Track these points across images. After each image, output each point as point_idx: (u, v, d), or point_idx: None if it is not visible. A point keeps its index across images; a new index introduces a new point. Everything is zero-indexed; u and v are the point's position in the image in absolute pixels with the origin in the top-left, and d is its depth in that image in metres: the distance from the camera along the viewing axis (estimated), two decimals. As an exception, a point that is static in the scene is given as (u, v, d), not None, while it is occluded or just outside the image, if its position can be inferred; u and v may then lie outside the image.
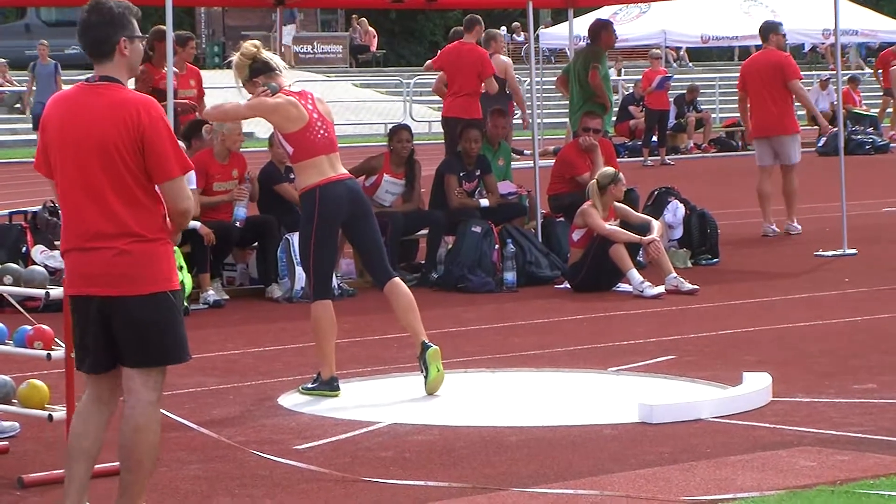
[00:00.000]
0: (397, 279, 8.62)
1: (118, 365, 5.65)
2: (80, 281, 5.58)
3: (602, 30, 15.49)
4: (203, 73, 16.42)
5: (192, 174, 12.14)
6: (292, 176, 12.94)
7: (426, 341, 8.36)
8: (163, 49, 13.49)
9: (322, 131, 8.50)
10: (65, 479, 5.71)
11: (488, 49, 16.70)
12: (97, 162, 5.51)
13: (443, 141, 16.28)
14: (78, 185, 5.55)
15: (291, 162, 8.63)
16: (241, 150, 13.36)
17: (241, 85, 8.61)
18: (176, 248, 11.85)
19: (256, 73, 8.54)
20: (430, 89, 20.30)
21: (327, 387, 8.38)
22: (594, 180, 12.50)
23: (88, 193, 5.53)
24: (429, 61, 17.25)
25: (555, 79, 17.64)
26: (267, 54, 8.62)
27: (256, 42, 8.79)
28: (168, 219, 5.62)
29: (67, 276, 5.65)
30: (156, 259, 5.56)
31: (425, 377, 8.33)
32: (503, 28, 44.34)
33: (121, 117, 5.50)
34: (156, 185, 5.56)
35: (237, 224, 12.39)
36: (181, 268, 11.49)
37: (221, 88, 19.30)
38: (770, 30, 16.08)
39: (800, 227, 15.51)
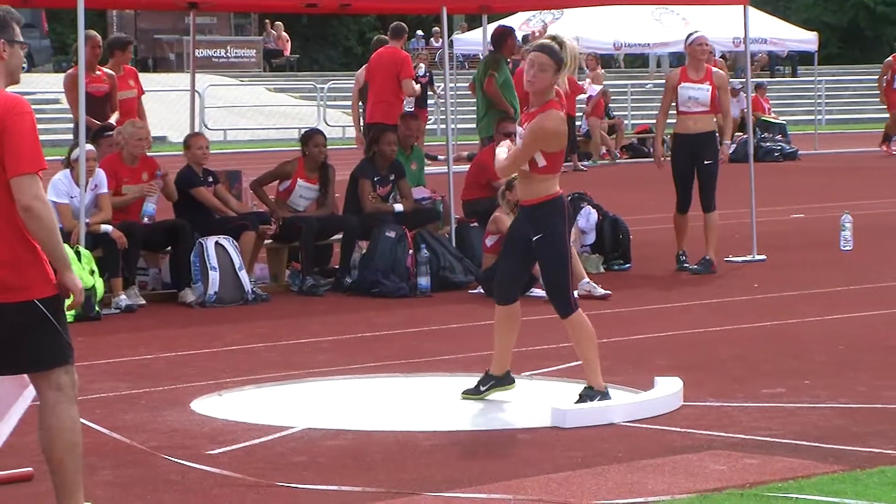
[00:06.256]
0: None
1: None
2: None
3: (508, 37, 15.59)
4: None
5: (104, 178, 12.12)
6: (210, 179, 12.93)
7: None
8: (91, 54, 13.56)
9: None
10: None
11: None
12: None
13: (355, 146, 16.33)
14: None
15: (543, 173, 8.13)
16: (154, 153, 13.33)
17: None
18: (87, 251, 11.86)
19: None
20: (346, 94, 20.32)
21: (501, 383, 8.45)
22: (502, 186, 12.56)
23: None
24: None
25: (467, 84, 17.70)
26: None
27: None
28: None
29: None
30: (25, 266, 5.52)
31: None
32: (419, 32, 44.46)
33: None
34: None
35: (145, 220, 12.34)
36: (92, 272, 11.43)
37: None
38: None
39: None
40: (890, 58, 30.49)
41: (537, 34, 19.13)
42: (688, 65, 13.86)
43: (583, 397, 8.02)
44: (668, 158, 14.24)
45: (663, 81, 15.07)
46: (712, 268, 13.67)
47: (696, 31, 14.25)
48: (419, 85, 22.13)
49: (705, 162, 13.70)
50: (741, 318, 11.16)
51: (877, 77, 31.64)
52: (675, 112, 13.98)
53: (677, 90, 13.70)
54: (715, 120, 14.13)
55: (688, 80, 13.69)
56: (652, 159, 15.95)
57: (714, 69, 14.05)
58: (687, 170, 13.76)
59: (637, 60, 47.12)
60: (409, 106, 18.15)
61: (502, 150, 8.34)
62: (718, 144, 13.96)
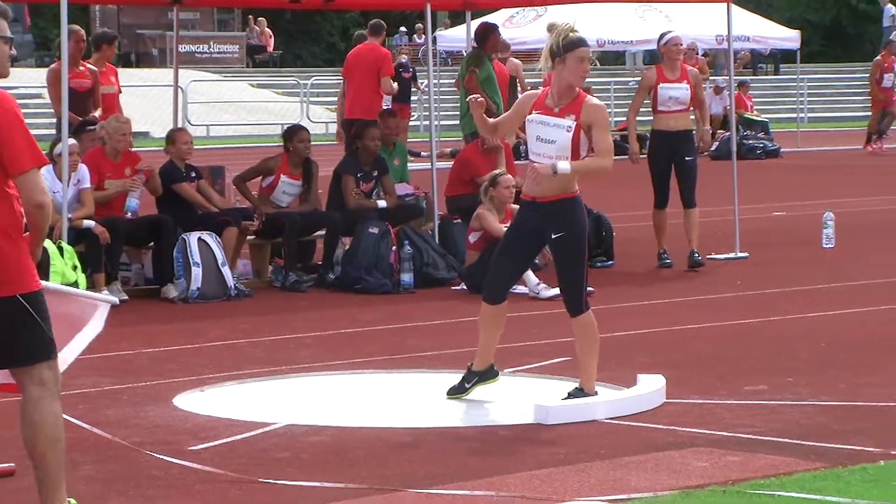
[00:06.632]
0: None
1: None
2: None
3: (491, 33, 15.58)
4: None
5: (87, 174, 12.10)
6: (193, 175, 12.93)
7: None
8: (75, 49, 13.57)
9: None
10: None
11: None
12: None
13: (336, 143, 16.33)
14: None
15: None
16: (136, 149, 13.31)
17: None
18: (69, 247, 11.84)
19: None
20: (328, 91, 20.35)
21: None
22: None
23: None
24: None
25: (452, 81, 17.72)
26: None
27: None
28: (25, 217, 5.56)
29: None
30: (7, 262, 5.50)
31: None
32: (403, 28, 44.42)
33: None
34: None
35: (129, 215, 12.32)
36: (75, 267, 11.40)
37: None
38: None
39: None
40: (879, 56, 30.57)
41: None
42: (663, 64, 13.91)
43: (571, 397, 8.01)
44: (644, 156, 14.32)
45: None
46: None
47: (669, 31, 14.36)
48: (403, 80, 22.13)
49: (685, 159, 13.80)
50: (724, 316, 11.18)
51: (858, 75, 31.71)
52: (647, 110, 14.05)
53: (655, 90, 13.77)
54: (693, 118, 14.21)
55: (666, 81, 13.77)
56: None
57: (688, 67, 14.14)
58: (666, 167, 13.87)
59: (618, 58, 47.14)
60: (386, 103, 18.12)
61: (565, 164, 8.06)
62: (696, 142, 14.07)
